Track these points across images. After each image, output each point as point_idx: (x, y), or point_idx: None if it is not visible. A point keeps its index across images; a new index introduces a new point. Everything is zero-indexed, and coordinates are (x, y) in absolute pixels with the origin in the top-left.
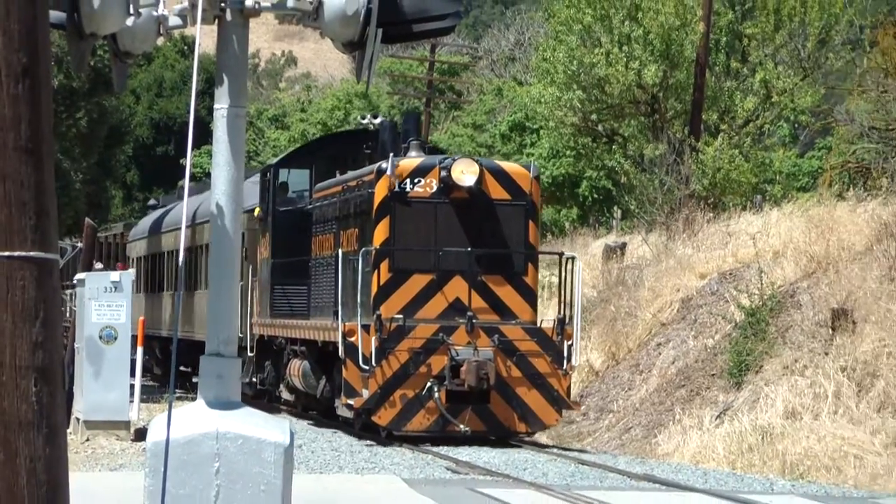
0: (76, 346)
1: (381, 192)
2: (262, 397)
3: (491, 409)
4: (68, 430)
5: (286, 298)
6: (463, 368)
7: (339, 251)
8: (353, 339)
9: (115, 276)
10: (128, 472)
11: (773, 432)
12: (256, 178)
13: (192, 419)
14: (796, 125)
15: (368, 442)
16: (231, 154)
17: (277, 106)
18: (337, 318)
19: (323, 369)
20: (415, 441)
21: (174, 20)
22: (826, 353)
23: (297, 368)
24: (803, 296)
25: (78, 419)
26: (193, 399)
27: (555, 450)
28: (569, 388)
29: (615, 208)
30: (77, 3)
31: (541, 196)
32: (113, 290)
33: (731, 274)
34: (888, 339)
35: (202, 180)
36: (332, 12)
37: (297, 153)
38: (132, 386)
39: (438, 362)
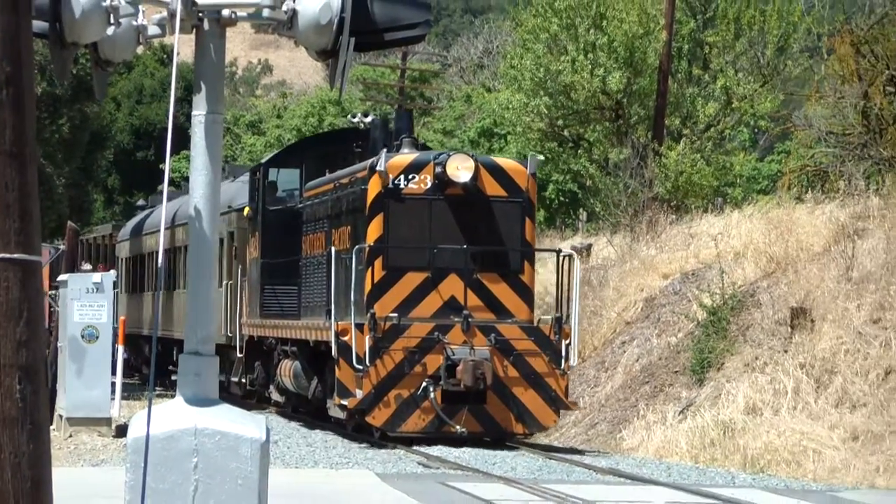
0: (59, 344)
1: (374, 188)
2: (251, 398)
3: (487, 410)
4: (51, 427)
5: (276, 298)
6: (459, 368)
7: (332, 249)
8: (346, 338)
9: (96, 277)
10: (109, 467)
11: (735, 427)
12: (245, 177)
13: (171, 416)
14: (756, 130)
15: (343, 438)
16: (209, 158)
17: (254, 112)
18: (329, 318)
19: (314, 369)
20: (409, 442)
21: (153, 30)
22: (785, 351)
23: (287, 369)
24: (763, 295)
25: (61, 416)
26: (173, 396)
27: (522, 448)
28: (566, 388)
29: (581, 211)
30: (59, 13)
31: (538, 192)
32: (94, 290)
33: (693, 274)
34: (845, 337)
35: (181, 185)
36: (306, 22)
37: (286, 152)
38: (113, 384)
39: (434, 362)
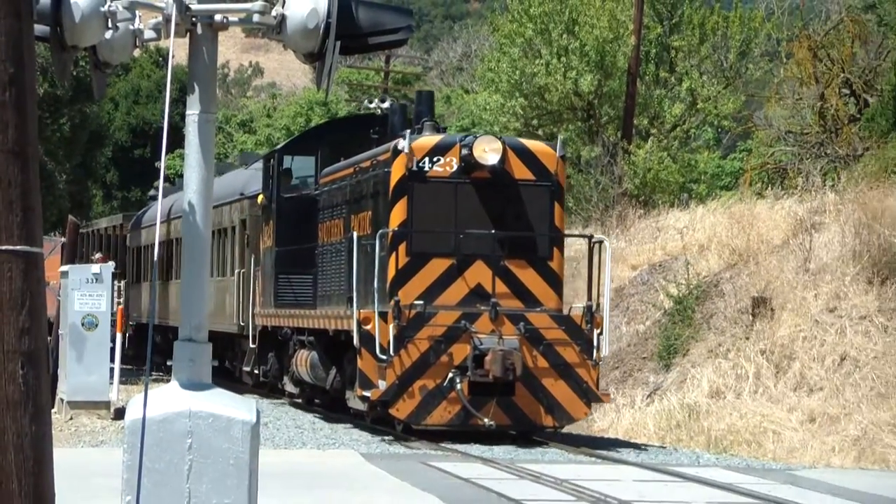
0: (60, 332)
1: (397, 171)
2: (262, 388)
3: (516, 402)
4: (53, 410)
5: (291, 287)
6: (487, 358)
7: (354, 233)
8: (368, 327)
9: (95, 268)
10: (108, 448)
11: (699, 410)
12: (258, 165)
13: (166, 399)
14: (719, 129)
15: (324, 418)
16: (202, 156)
17: (245, 112)
18: (351, 306)
19: (332, 360)
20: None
21: (149, 33)
22: (747, 338)
23: (304, 359)
24: (726, 285)
25: (62, 399)
26: (168, 381)
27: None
28: (597, 379)
29: None
30: (60, 17)
31: (566, 176)
32: (94, 281)
33: (660, 265)
34: (803, 325)
35: (175, 181)
36: (295, 26)
37: (301, 139)
38: (112, 369)
39: (461, 352)
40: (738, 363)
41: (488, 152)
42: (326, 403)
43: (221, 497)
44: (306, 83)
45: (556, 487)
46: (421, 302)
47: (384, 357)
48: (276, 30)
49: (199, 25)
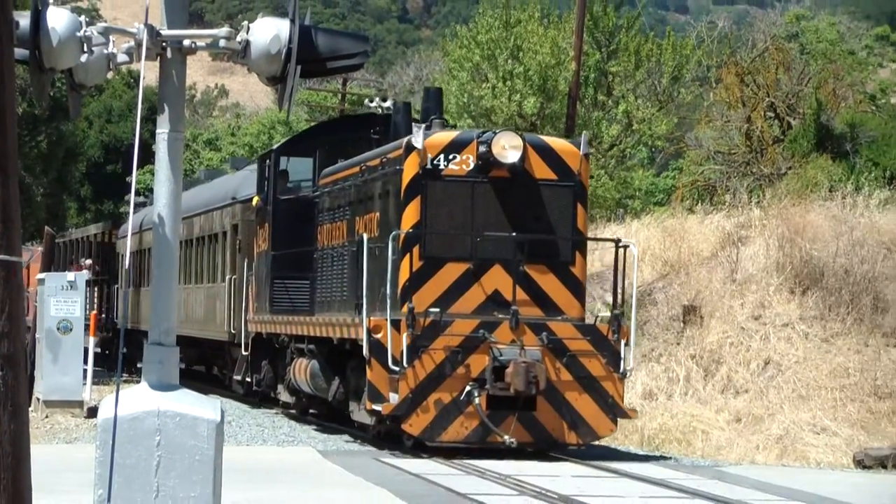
0: (37, 336)
1: (410, 169)
2: (254, 397)
3: (537, 418)
4: (30, 409)
5: (288, 293)
6: (508, 370)
7: (364, 235)
8: (379, 335)
9: (70, 276)
10: (81, 444)
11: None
12: (250, 168)
13: (136, 399)
14: (653, 149)
15: (289, 419)
16: (171, 172)
17: (211, 131)
18: (359, 313)
19: (334, 369)
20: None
21: (122, 57)
22: (678, 343)
23: (303, 368)
24: (659, 294)
25: (38, 399)
26: (138, 382)
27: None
28: (623, 393)
29: None
30: (38, 41)
31: (590, 176)
32: (69, 288)
33: (598, 276)
34: (730, 332)
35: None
36: (258, 51)
37: (298, 139)
38: (85, 370)
39: (479, 363)
40: (670, 367)
41: (508, 149)
42: (324, 414)
43: (188, 491)
44: (269, 104)
45: (501, 483)
46: (437, 309)
47: (396, 368)
48: (241, 54)
49: (168, 50)
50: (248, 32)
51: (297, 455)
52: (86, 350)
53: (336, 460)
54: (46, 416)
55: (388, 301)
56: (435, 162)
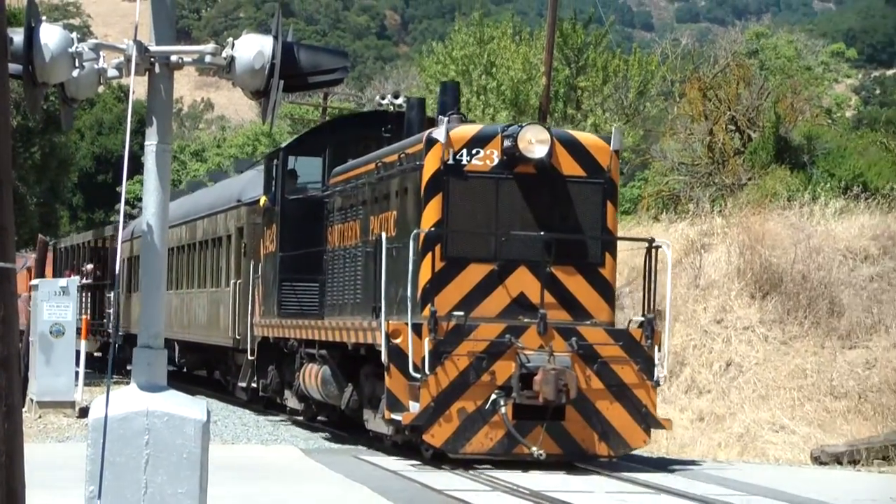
0: (31, 339)
1: (431, 164)
2: (257, 403)
3: (566, 428)
4: (24, 409)
5: (296, 296)
6: (537, 378)
7: (383, 234)
8: (398, 340)
9: (62, 282)
10: (73, 443)
11: None
12: (253, 171)
13: (126, 400)
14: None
15: (272, 418)
16: (159, 182)
17: (197, 142)
18: (376, 316)
19: (347, 376)
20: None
21: (112, 72)
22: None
23: (313, 374)
24: (626, 299)
25: (32, 400)
26: (128, 383)
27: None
28: (656, 402)
29: None
30: (32, 57)
31: (620, 173)
32: (62, 293)
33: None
34: (693, 334)
35: (135, 205)
36: (243, 66)
37: (307, 137)
38: (77, 372)
39: (504, 370)
40: None
41: (535, 144)
42: (334, 422)
43: (175, 487)
44: (253, 117)
45: (474, 479)
46: (461, 313)
47: (417, 375)
48: (226, 70)
49: (156, 65)
50: (233, 49)
51: (281, 453)
52: (77, 353)
53: (317, 458)
54: (39, 416)
55: (409, 304)
56: (458, 157)
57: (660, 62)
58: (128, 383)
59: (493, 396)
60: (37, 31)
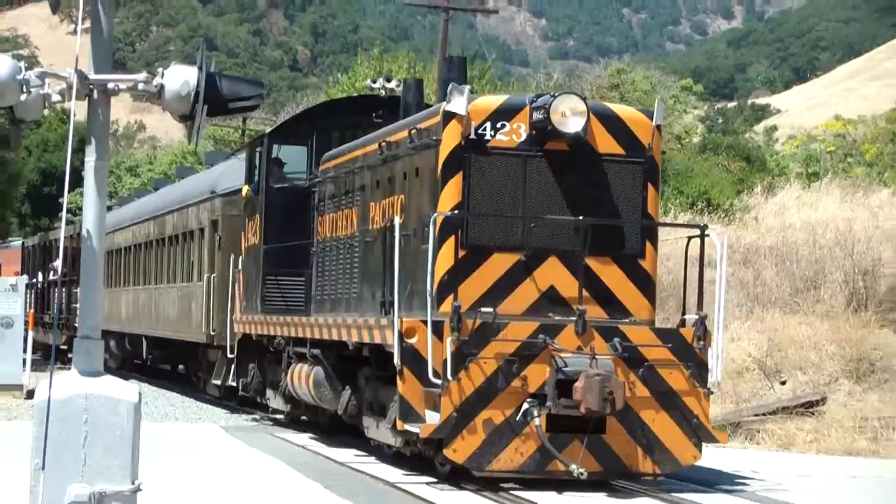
0: None
1: (450, 139)
2: (230, 400)
3: (607, 442)
4: None
5: (281, 291)
6: (578, 385)
7: (396, 219)
8: (413, 340)
9: (11, 280)
10: (20, 422)
11: None
12: (227, 162)
13: (68, 383)
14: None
15: (198, 399)
16: (97, 194)
17: (132, 159)
18: (386, 312)
19: (342, 377)
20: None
21: (56, 97)
22: None
23: (304, 375)
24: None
25: None
26: (69, 369)
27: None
28: (709, 412)
29: None
30: None
31: (662, 151)
32: (11, 290)
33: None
34: None
35: (76, 213)
36: (171, 94)
37: (291, 123)
38: (24, 359)
39: (538, 375)
40: None
41: (569, 116)
42: (324, 425)
43: (110, 461)
44: (181, 137)
45: (374, 453)
46: (489, 309)
47: (438, 381)
48: (157, 96)
49: (95, 91)
50: (162, 78)
51: (204, 430)
52: (25, 341)
53: (236, 434)
54: None
55: (428, 299)
56: (480, 131)
57: None
58: (69, 369)
59: (526, 406)
60: None
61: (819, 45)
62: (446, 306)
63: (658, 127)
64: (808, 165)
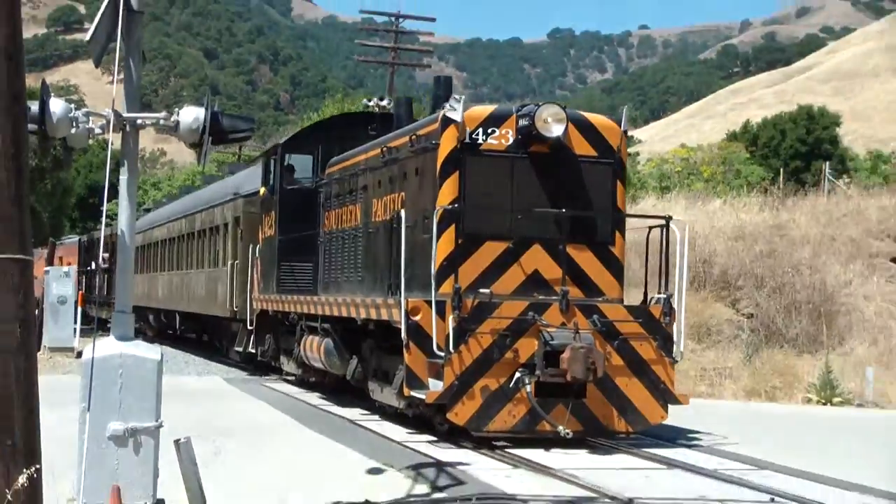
0: (44, 306)
1: (448, 143)
2: (248, 363)
3: (587, 405)
4: (39, 353)
5: (293, 274)
6: (564, 356)
7: (402, 212)
8: (417, 317)
9: (65, 269)
10: (72, 375)
11: None
12: (246, 171)
13: (106, 346)
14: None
15: (209, 360)
16: (129, 203)
17: (155, 177)
18: (391, 293)
19: (349, 347)
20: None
21: (98, 130)
22: None
23: (315, 345)
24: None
25: (45, 346)
26: (108, 336)
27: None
28: (674, 378)
29: None
30: (44, 119)
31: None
32: (65, 276)
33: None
34: None
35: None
36: (185, 127)
37: (301, 135)
38: (75, 328)
39: (527, 347)
40: None
41: (552, 123)
42: (330, 386)
43: (140, 403)
44: (192, 160)
45: (346, 400)
46: (487, 290)
47: (442, 353)
48: (174, 129)
49: (127, 126)
50: (178, 115)
51: (210, 382)
52: (76, 314)
53: (235, 384)
54: (50, 357)
55: (433, 282)
56: (473, 136)
57: None
58: (108, 336)
59: (518, 374)
60: (47, 103)
61: (669, 92)
62: (446, 287)
63: (625, 132)
64: (661, 181)
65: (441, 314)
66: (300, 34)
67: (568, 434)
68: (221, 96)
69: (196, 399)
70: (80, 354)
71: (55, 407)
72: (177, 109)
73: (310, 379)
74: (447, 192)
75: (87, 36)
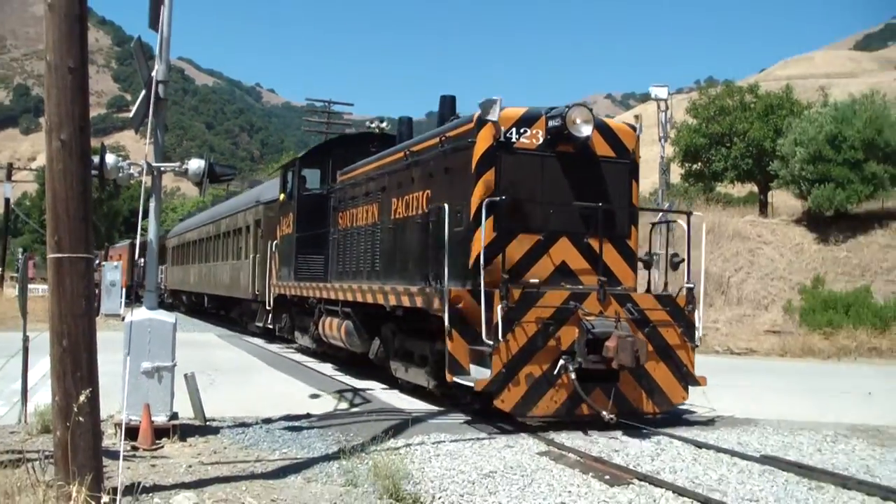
0: (101, 288)
1: (483, 142)
2: (265, 336)
3: (620, 389)
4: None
5: (308, 265)
6: (610, 344)
7: (445, 206)
8: (459, 306)
9: (115, 263)
10: (119, 332)
11: None
12: (261, 185)
13: (141, 314)
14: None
15: (199, 320)
16: (155, 222)
17: (172, 204)
18: (429, 283)
19: (369, 329)
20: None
21: (136, 174)
22: None
23: (335, 325)
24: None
25: (102, 313)
26: (141, 307)
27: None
28: (694, 361)
29: None
30: (102, 167)
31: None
32: (115, 268)
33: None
34: None
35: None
36: (192, 172)
37: (313, 152)
38: (121, 302)
39: (568, 335)
40: None
41: (581, 123)
42: (344, 359)
43: (161, 350)
44: (196, 193)
45: (312, 354)
46: (536, 280)
47: (491, 342)
48: (185, 173)
49: (154, 171)
50: (188, 164)
51: (206, 336)
52: (122, 293)
53: (222, 338)
54: (105, 320)
55: (482, 272)
56: (507, 135)
57: None
58: (141, 307)
59: (562, 361)
60: (103, 156)
61: None
62: (500, 277)
63: (638, 137)
64: None
65: (479, 302)
66: (267, 113)
67: (612, 419)
68: (216, 152)
69: (198, 348)
70: (124, 319)
71: (108, 352)
72: (187, 161)
73: (324, 352)
74: (483, 188)
75: (131, 114)
